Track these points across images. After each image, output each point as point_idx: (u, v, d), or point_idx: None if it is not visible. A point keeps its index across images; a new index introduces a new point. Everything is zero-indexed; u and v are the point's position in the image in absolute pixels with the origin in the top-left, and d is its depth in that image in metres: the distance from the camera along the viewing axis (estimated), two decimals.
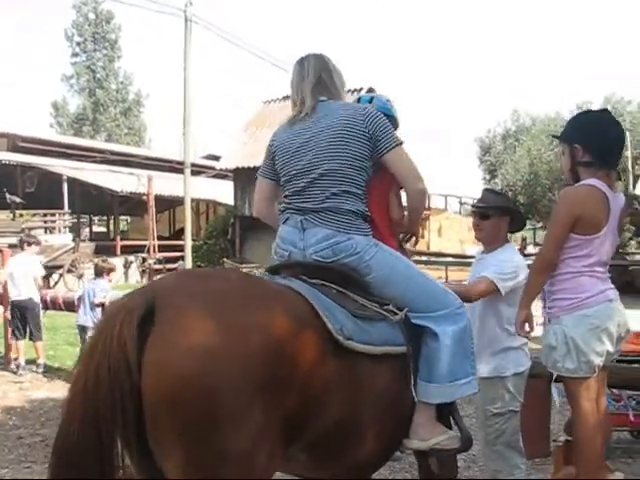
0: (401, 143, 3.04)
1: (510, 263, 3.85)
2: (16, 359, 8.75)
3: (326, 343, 2.51)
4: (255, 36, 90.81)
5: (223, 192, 26.82)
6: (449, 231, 28.62)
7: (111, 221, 35.53)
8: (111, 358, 2.12)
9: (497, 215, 3.96)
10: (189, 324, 2.17)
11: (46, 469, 5.16)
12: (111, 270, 8.53)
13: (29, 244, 9.14)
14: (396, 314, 2.86)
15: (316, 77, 3.12)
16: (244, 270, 21.56)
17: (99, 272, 8.46)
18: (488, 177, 43.08)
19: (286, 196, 3.19)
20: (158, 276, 22.39)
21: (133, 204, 27.94)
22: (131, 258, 23.97)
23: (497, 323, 3.84)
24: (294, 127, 3.15)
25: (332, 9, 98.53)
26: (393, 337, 2.83)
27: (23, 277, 8.69)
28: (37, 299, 8.79)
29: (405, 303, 2.92)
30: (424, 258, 22.27)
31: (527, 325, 3.46)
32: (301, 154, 3.06)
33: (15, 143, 28.53)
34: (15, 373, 8.55)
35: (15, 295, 8.69)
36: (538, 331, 3.62)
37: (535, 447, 4.37)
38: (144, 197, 24.13)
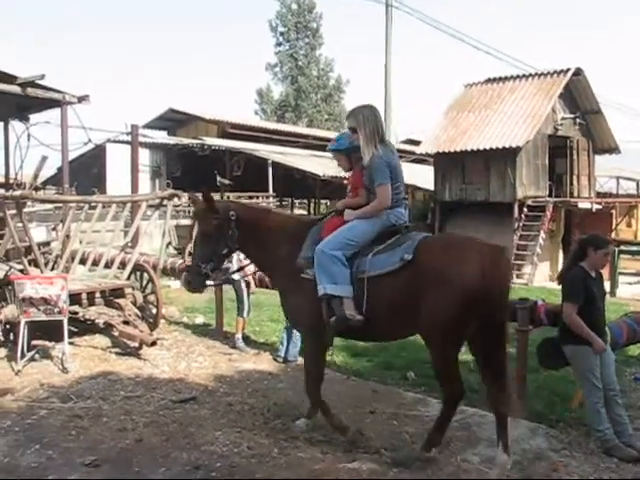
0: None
1: None
2: (234, 334, 9.15)
3: None
4: (456, 19, 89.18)
5: (422, 177, 26.62)
6: None
7: (312, 204, 36.50)
8: None
9: None
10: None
11: (254, 435, 5.38)
12: None
13: None
14: None
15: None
16: None
17: None
18: None
19: (398, 193, 5.28)
20: None
21: (334, 188, 28.43)
22: None
23: None
24: (388, 151, 5.31)
25: None
26: None
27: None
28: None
29: None
30: (634, 248, 20.89)
31: None
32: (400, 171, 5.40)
33: (224, 130, 30.06)
34: (229, 346, 8.93)
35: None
36: None
37: None
38: (344, 181, 24.42)
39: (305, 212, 38.64)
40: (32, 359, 7.80)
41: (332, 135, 37.19)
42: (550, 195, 21.99)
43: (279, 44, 56.43)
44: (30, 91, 14.44)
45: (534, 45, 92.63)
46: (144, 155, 23.25)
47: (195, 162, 26.72)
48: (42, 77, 14.01)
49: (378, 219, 5.21)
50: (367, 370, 7.90)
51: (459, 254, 4.90)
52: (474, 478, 4.88)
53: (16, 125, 16.47)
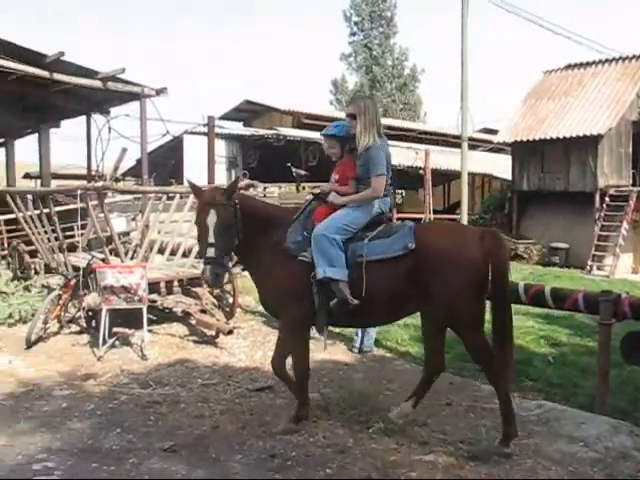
0: None
1: None
2: None
3: None
4: (534, 3, 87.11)
5: (499, 166, 26.17)
6: None
7: None
8: None
9: None
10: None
11: (330, 425, 5.37)
12: None
13: None
14: None
15: None
16: (520, 247, 21.00)
17: None
18: None
19: (388, 184, 5.39)
20: None
21: (409, 178, 28.20)
22: None
23: None
24: (385, 144, 5.44)
25: None
26: None
27: None
28: None
29: None
30: None
31: None
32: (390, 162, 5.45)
33: (299, 120, 30.14)
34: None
35: None
36: None
37: None
38: (420, 171, 24.21)
39: None
40: (113, 346, 8.01)
41: (408, 125, 37.06)
42: (634, 184, 21.29)
43: (353, 34, 56.18)
44: (111, 85, 14.80)
45: (618, 28, 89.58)
46: (220, 146, 23.55)
47: (270, 153, 26.88)
48: (122, 71, 14.32)
49: (371, 207, 5.35)
50: None
51: (461, 239, 5.23)
52: (553, 477, 4.74)
53: (97, 118, 16.92)
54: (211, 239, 5.05)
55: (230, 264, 5.66)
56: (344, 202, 5.36)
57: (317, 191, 5.64)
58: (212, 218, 5.07)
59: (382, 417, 5.68)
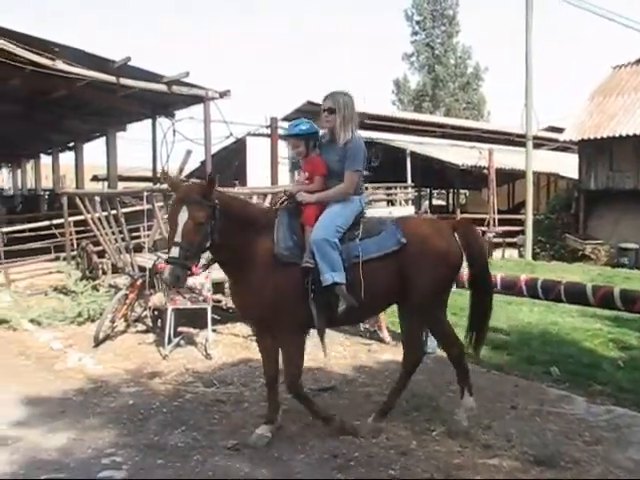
0: None
1: None
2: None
3: None
4: None
5: (565, 165, 25.67)
6: None
7: (450, 194, 35.99)
8: None
9: None
10: None
11: (393, 426, 5.33)
12: None
13: None
14: None
15: None
16: (588, 247, 20.54)
17: None
18: None
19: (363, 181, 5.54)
20: (497, 250, 22.23)
21: (473, 178, 27.91)
22: None
23: None
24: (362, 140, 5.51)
25: None
26: None
27: None
28: None
29: None
30: None
31: None
32: None
33: (362, 120, 30.08)
34: (368, 336, 8.90)
35: None
36: None
37: None
38: (484, 171, 23.93)
39: (444, 203, 38.18)
40: (178, 345, 8.15)
41: (471, 124, 36.64)
42: None
43: (415, 33, 55.96)
44: (175, 89, 15.06)
45: None
46: (283, 147, 23.63)
47: None
48: (187, 75, 14.56)
49: (355, 205, 5.34)
50: (508, 364, 7.66)
51: (442, 232, 5.56)
52: None
53: (162, 121, 17.24)
54: (177, 238, 4.70)
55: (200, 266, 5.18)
56: (316, 199, 5.21)
57: (292, 192, 5.37)
58: (183, 216, 4.71)
59: (445, 419, 5.63)
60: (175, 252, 4.69)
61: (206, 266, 5.41)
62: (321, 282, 5.00)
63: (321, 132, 5.53)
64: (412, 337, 5.82)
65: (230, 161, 26.05)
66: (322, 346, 5.67)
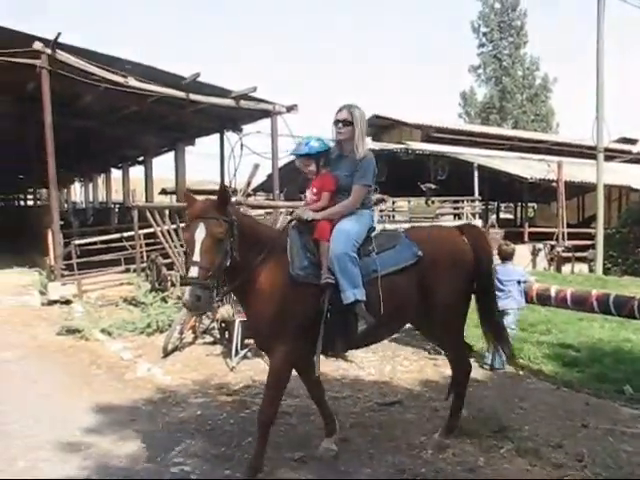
0: None
1: None
2: None
3: None
4: None
5: (638, 177, 25.03)
6: None
7: (517, 208, 35.44)
8: None
9: None
10: None
11: (460, 442, 5.26)
12: (511, 254, 8.36)
13: None
14: None
15: None
16: None
17: (507, 256, 8.31)
18: None
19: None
20: (566, 265, 21.76)
21: (541, 191, 27.47)
22: (539, 245, 23.33)
23: None
24: None
25: None
26: None
27: None
28: None
29: None
30: None
31: None
32: None
33: (428, 134, 30.02)
34: (434, 351, 8.82)
35: None
36: None
37: None
38: (553, 184, 23.51)
39: (511, 216, 37.62)
40: (245, 357, 8.20)
41: (539, 136, 36.09)
42: None
43: (482, 45, 55.56)
44: (243, 104, 15.30)
45: None
46: None
47: (399, 167, 26.87)
48: (254, 89, 14.78)
49: (366, 219, 5.21)
50: (579, 381, 7.46)
51: (450, 236, 5.53)
52: None
53: (230, 136, 17.52)
54: (196, 257, 4.40)
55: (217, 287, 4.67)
56: (323, 216, 4.99)
57: (299, 214, 5.12)
58: (200, 233, 4.44)
59: (514, 436, 5.53)
60: (194, 272, 4.38)
61: (223, 294, 5.24)
62: (340, 300, 4.74)
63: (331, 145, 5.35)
64: (453, 348, 5.70)
65: (297, 175, 26.24)
66: (316, 366, 4.91)
